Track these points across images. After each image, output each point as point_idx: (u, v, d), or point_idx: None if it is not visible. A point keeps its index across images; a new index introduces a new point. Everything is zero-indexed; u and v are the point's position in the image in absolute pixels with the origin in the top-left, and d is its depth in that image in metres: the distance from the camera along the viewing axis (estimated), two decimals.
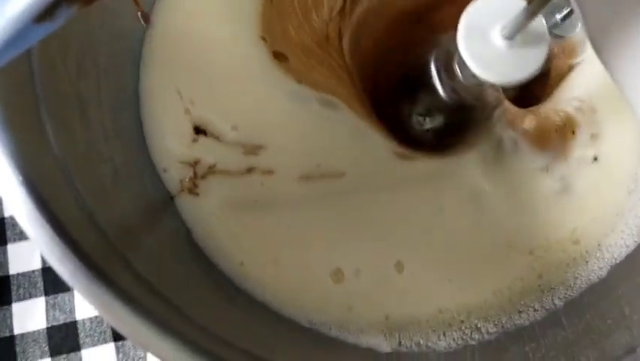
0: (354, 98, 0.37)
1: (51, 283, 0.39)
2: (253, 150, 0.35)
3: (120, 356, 0.38)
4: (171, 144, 0.35)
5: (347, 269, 0.34)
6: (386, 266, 0.34)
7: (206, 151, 0.34)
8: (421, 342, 0.33)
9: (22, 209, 0.21)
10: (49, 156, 0.25)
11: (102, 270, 0.21)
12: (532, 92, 0.38)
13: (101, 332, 0.38)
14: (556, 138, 0.37)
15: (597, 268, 0.35)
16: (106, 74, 0.33)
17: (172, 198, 0.34)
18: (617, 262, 0.35)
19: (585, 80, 0.37)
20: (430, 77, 0.37)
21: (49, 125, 0.26)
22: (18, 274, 0.39)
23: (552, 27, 0.28)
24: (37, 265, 0.39)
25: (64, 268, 0.21)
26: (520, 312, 0.34)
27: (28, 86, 0.26)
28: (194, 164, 0.34)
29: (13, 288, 0.39)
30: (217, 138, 0.35)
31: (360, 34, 0.38)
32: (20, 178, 0.21)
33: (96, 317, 0.38)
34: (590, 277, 0.35)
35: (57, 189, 0.24)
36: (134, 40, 0.36)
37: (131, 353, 0.38)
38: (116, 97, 0.34)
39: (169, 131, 0.35)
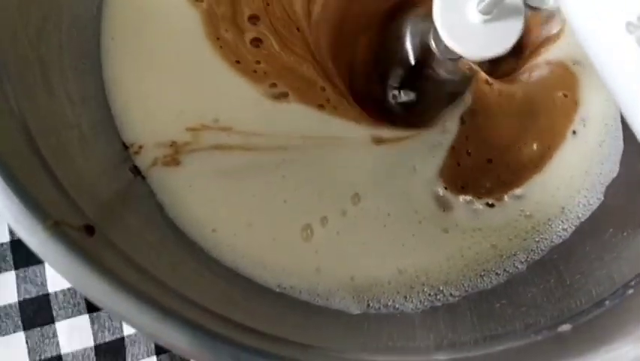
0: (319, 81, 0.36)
1: (21, 256, 0.38)
2: (220, 129, 0.35)
3: (95, 327, 0.38)
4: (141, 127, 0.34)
5: (315, 223, 0.34)
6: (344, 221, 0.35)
7: (177, 133, 0.34)
8: (389, 303, 0.34)
9: None
10: (12, 124, 0.24)
11: (73, 240, 0.21)
12: (506, 63, 0.39)
13: (74, 304, 0.38)
14: None
15: (561, 230, 0.36)
16: (67, 37, 0.32)
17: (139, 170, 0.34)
18: (582, 220, 0.36)
19: (561, 51, 0.38)
20: (405, 51, 0.37)
21: (11, 95, 0.25)
22: None
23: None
24: (4, 238, 0.38)
25: (34, 239, 0.20)
26: (482, 276, 0.35)
27: None
28: (171, 144, 0.34)
29: None
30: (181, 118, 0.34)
31: (328, 17, 0.38)
32: None
33: (69, 289, 0.38)
34: (554, 239, 0.36)
35: (22, 158, 0.23)
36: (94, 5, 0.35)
37: (106, 324, 0.38)
38: (79, 62, 0.33)
39: (139, 115, 0.34)
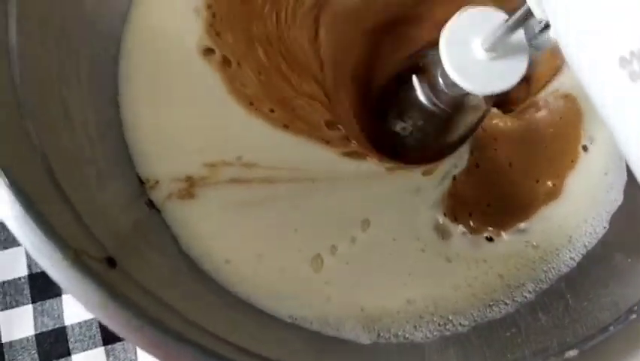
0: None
1: (38, 290, 0.39)
2: (243, 165, 0.36)
3: (111, 359, 0.38)
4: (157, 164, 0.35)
5: (325, 252, 0.35)
6: (353, 249, 0.35)
7: (194, 168, 0.35)
8: (399, 333, 0.34)
9: (10, 212, 0.22)
10: (34, 159, 0.25)
11: (93, 270, 0.21)
12: (515, 95, 0.40)
13: (90, 337, 0.38)
14: None
15: (569, 259, 0.36)
16: (87, 77, 0.33)
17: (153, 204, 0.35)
18: (588, 249, 0.36)
19: (568, 84, 0.39)
20: (413, 86, 0.38)
21: (34, 133, 0.26)
22: (4, 282, 0.39)
23: (531, 39, 0.30)
24: (22, 272, 0.39)
25: (55, 269, 0.21)
26: (490, 306, 0.35)
27: (9, 90, 0.26)
28: (187, 179, 0.35)
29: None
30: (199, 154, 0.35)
31: (336, 46, 0.39)
32: (7, 181, 0.22)
33: (85, 322, 0.39)
34: (562, 268, 0.36)
35: (44, 192, 0.24)
36: (112, 42, 0.36)
37: (121, 356, 0.39)
38: (98, 101, 0.34)
39: (155, 152, 0.35)
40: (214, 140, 0.36)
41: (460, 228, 0.37)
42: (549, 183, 0.38)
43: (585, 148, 0.38)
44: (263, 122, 0.36)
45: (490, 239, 0.37)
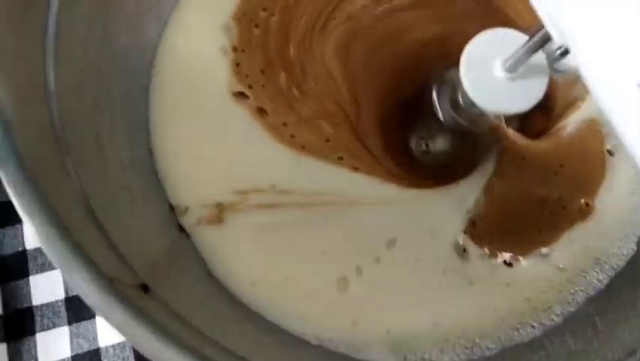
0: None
1: (74, 312, 0.40)
2: (264, 190, 0.37)
3: None
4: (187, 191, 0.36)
5: (350, 274, 0.35)
6: (378, 269, 0.36)
7: (224, 195, 0.36)
8: (425, 356, 0.34)
9: (47, 240, 0.23)
10: (70, 189, 0.26)
11: (126, 296, 0.22)
12: (536, 122, 0.40)
13: (123, 358, 0.39)
14: None
15: (596, 281, 0.36)
16: (119, 108, 0.35)
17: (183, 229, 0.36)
18: (617, 270, 0.36)
19: (591, 109, 0.39)
20: (431, 103, 0.38)
21: (70, 164, 0.27)
22: (41, 305, 0.40)
23: (552, 62, 0.30)
24: (59, 295, 0.40)
25: (90, 296, 0.22)
26: (517, 329, 0.35)
27: (47, 126, 0.27)
28: (217, 205, 0.36)
29: (37, 319, 0.40)
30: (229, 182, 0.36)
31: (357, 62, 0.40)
32: (46, 212, 0.23)
33: (119, 344, 0.40)
34: (589, 291, 0.36)
35: (80, 220, 0.25)
36: (143, 73, 0.38)
37: None
38: (129, 129, 0.36)
39: (186, 180, 0.37)
40: (245, 169, 0.37)
41: (478, 250, 0.37)
42: (573, 204, 0.38)
43: (609, 170, 0.38)
44: (294, 152, 0.37)
45: (509, 264, 0.37)
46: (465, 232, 0.37)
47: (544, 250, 0.37)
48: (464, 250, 0.36)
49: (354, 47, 0.40)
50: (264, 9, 0.39)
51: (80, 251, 0.22)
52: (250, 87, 0.38)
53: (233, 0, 0.39)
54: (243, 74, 0.38)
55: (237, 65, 0.38)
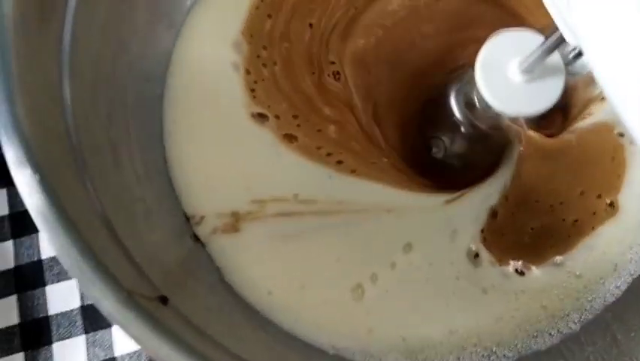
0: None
1: (90, 321, 0.40)
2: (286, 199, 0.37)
3: None
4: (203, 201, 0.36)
5: (365, 281, 0.35)
6: (393, 275, 0.36)
7: (241, 205, 0.36)
8: None
9: (65, 252, 0.23)
10: (87, 201, 0.27)
11: (143, 307, 0.22)
12: (553, 126, 0.39)
13: None
14: None
15: (614, 288, 0.35)
16: (133, 119, 0.35)
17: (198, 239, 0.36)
18: (634, 277, 0.35)
19: (607, 112, 0.38)
20: (449, 106, 0.38)
21: (86, 175, 0.27)
22: (57, 314, 0.41)
23: (567, 64, 0.30)
24: (75, 304, 0.41)
25: (108, 308, 0.22)
26: (534, 337, 0.35)
27: (64, 138, 0.28)
28: (232, 214, 0.36)
29: (54, 328, 0.41)
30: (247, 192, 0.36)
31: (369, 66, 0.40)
32: (63, 223, 0.23)
33: (135, 352, 0.40)
34: (607, 298, 0.35)
35: (97, 232, 0.25)
36: (157, 83, 0.38)
37: None
38: (144, 139, 0.36)
39: (201, 190, 0.36)
40: (263, 179, 0.37)
41: (490, 256, 0.36)
42: (603, 202, 0.37)
43: (629, 176, 0.37)
44: (313, 163, 0.37)
45: (520, 273, 0.36)
46: (479, 237, 0.36)
47: (558, 258, 0.37)
48: (476, 256, 0.36)
49: (373, 54, 0.40)
50: (269, 15, 0.39)
51: (99, 264, 0.23)
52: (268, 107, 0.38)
53: (245, 8, 0.39)
54: (257, 97, 0.38)
55: (253, 90, 0.38)
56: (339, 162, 0.37)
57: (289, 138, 0.37)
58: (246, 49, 0.38)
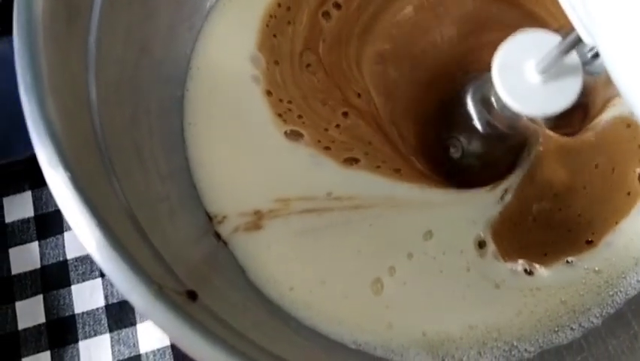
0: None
1: (115, 320, 0.41)
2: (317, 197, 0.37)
3: None
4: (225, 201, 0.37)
5: (384, 275, 0.36)
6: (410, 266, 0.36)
7: (263, 203, 0.37)
8: (463, 359, 0.34)
9: (98, 250, 0.23)
10: (117, 202, 0.27)
11: (174, 302, 0.23)
12: (570, 127, 0.39)
13: None
14: None
15: (635, 282, 0.35)
16: (156, 119, 0.35)
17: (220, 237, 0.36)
18: None
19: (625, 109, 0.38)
20: (467, 107, 0.38)
21: (113, 175, 0.28)
22: (83, 313, 0.41)
23: (585, 64, 0.30)
24: (100, 303, 0.41)
25: (142, 302, 0.22)
26: (556, 331, 0.35)
27: (91, 139, 0.28)
28: (255, 213, 0.36)
29: (79, 326, 0.41)
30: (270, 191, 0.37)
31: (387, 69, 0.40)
32: (96, 222, 0.23)
33: (159, 350, 0.40)
34: (629, 292, 0.35)
35: (126, 230, 0.26)
36: (177, 85, 0.38)
37: None
38: (166, 140, 0.36)
39: (223, 190, 0.37)
40: (286, 179, 0.37)
41: (495, 249, 0.36)
42: (620, 194, 0.37)
43: None
44: (335, 163, 0.38)
45: (529, 273, 0.36)
46: (489, 231, 0.37)
47: (570, 258, 0.37)
48: (484, 246, 0.36)
49: (392, 58, 0.40)
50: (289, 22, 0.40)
51: (130, 258, 0.23)
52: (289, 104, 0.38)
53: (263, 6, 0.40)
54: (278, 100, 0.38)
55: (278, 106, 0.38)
56: (356, 161, 0.38)
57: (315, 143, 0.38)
58: (265, 55, 0.39)
